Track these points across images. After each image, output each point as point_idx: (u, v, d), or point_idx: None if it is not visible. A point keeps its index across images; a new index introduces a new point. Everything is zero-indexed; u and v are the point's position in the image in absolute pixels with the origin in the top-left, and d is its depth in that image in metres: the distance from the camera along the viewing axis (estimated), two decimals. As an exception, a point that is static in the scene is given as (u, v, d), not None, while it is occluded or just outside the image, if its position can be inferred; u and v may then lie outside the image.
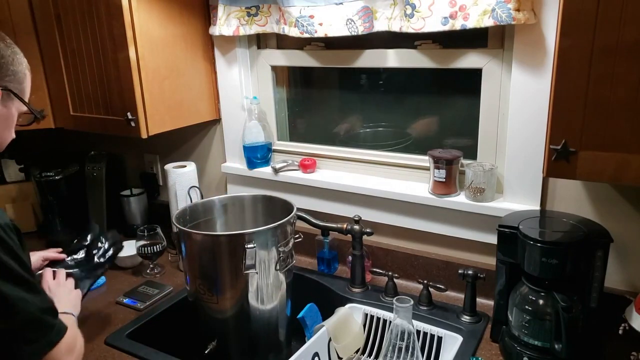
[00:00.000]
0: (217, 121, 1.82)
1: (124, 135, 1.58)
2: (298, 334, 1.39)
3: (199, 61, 1.69)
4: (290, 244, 1.30)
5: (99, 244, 1.34)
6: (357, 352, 1.34)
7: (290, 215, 1.28)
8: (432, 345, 1.23)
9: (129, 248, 1.63)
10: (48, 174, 1.93)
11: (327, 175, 1.64)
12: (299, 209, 1.32)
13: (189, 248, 1.28)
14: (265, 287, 1.26)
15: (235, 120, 1.76)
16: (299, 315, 1.36)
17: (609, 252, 1.06)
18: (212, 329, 1.31)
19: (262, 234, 1.21)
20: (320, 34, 1.43)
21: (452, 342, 1.21)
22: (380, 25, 1.37)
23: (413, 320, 1.08)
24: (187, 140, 1.92)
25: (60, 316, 0.93)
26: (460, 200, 1.40)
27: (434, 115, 1.57)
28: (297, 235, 1.35)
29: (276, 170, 1.68)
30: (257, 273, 1.21)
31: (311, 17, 1.42)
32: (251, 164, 1.74)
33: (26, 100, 1.00)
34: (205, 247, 1.25)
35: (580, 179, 0.98)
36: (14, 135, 1.02)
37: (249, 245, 1.18)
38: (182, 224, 1.30)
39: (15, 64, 0.96)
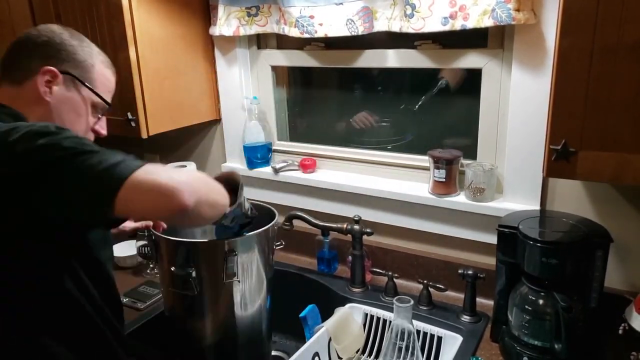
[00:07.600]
0: (217, 121, 1.82)
1: (124, 135, 1.57)
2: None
3: (199, 61, 1.69)
4: (273, 250, 1.25)
5: None
6: (357, 351, 1.34)
7: (273, 222, 1.21)
8: (432, 345, 1.23)
9: (129, 248, 1.64)
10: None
11: (327, 175, 1.64)
12: (299, 209, 1.32)
13: (165, 256, 1.18)
14: (249, 293, 1.19)
15: (235, 120, 1.76)
16: (302, 314, 1.36)
17: (609, 252, 1.06)
18: (195, 340, 1.23)
19: (245, 242, 1.13)
20: (320, 34, 1.43)
21: (452, 342, 1.21)
22: (380, 26, 1.36)
23: (413, 320, 1.08)
24: (188, 140, 1.92)
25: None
26: (460, 200, 1.40)
27: (434, 115, 1.57)
28: (278, 243, 1.30)
29: (276, 170, 1.68)
30: (239, 282, 1.14)
31: (311, 17, 1.42)
32: (251, 164, 1.74)
33: (98, 92, 1.02)
34: (182, 254, 1.14)
35: (580, 179, 0.99)
36: (91, 126, 1.04)
37: (230, 254, 1.10)
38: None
39: (80, 54, 1.00)
